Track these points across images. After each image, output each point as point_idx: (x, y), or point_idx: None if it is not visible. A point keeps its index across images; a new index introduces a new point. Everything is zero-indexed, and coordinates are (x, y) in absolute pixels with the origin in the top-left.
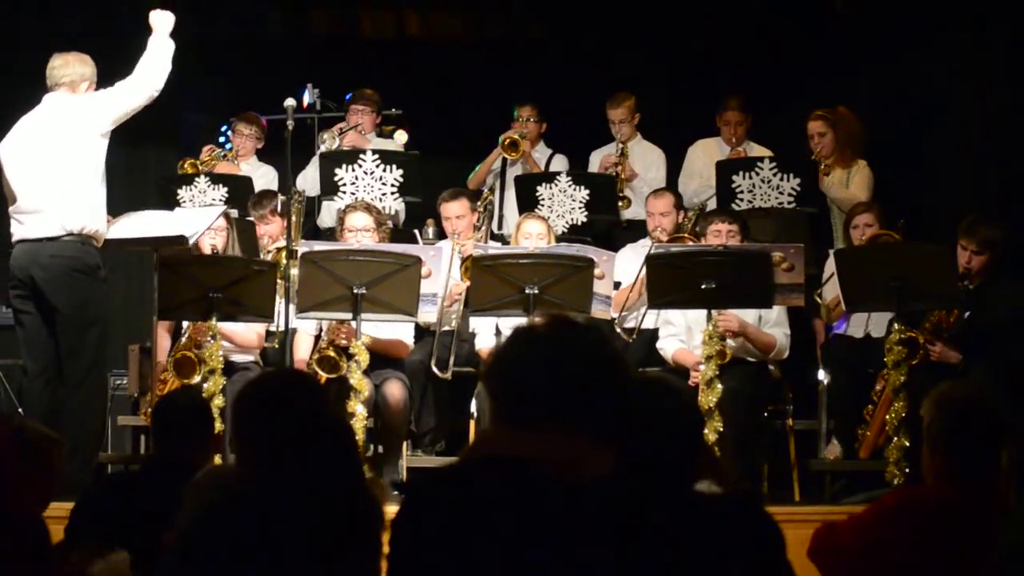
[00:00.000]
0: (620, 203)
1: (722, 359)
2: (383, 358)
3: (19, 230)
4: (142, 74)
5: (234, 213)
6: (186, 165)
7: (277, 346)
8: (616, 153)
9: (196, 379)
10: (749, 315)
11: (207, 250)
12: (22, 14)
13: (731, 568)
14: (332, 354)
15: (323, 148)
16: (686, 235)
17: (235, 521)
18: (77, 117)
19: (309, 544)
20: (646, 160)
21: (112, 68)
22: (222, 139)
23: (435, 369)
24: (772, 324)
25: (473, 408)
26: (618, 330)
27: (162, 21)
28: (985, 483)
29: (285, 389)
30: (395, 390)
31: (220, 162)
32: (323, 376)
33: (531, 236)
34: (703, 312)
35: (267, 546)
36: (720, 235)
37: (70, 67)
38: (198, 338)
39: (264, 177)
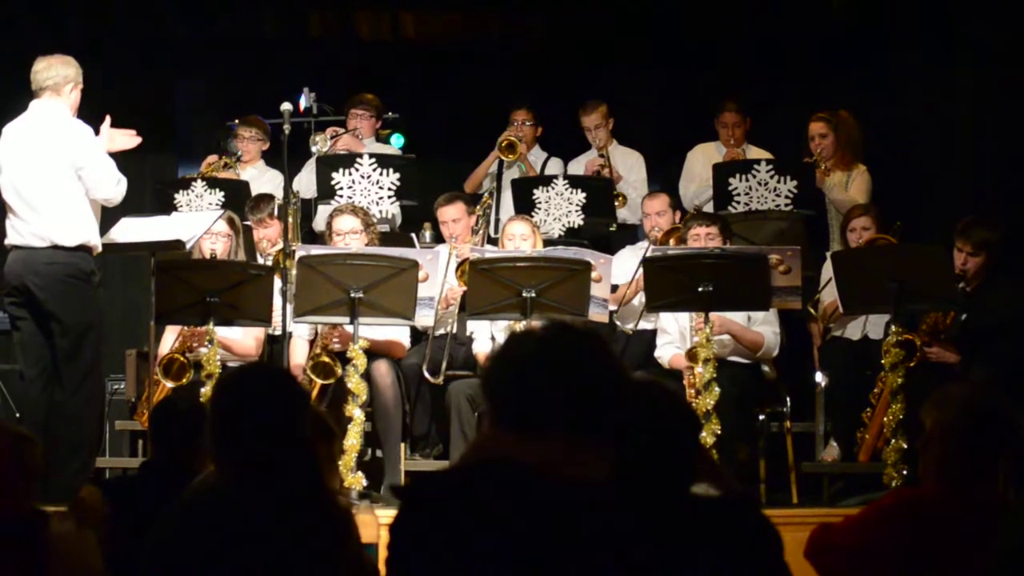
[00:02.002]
0: (616, 202)
1: (697, 360)
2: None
3: (14, 236)
4: (120, 182)
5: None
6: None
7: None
8: (599, 157)
9: (185, 381)
10: (738, 313)
11: (207, 255)
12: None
13: (729, 570)
14: (326, 359)
15: (315, 150)
16: (680, 231)
17: (199, 522)
18: (61, 139)
19: (269, 545)
20: (626, 163)
21: (110, 77)
22: (227, 139)
23: (427, 374)
24: (760, 322)
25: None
26: (617, 323)
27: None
28: (986, 483)
29: (249, 389)
30: (381, 366)
31: (222, 172)
32: (318, 383)
33: (515, 237)
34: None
35: (227, 546)
36: (699, 239)
37: (53, 69)
38: (190, 343)
39: (271, 182)
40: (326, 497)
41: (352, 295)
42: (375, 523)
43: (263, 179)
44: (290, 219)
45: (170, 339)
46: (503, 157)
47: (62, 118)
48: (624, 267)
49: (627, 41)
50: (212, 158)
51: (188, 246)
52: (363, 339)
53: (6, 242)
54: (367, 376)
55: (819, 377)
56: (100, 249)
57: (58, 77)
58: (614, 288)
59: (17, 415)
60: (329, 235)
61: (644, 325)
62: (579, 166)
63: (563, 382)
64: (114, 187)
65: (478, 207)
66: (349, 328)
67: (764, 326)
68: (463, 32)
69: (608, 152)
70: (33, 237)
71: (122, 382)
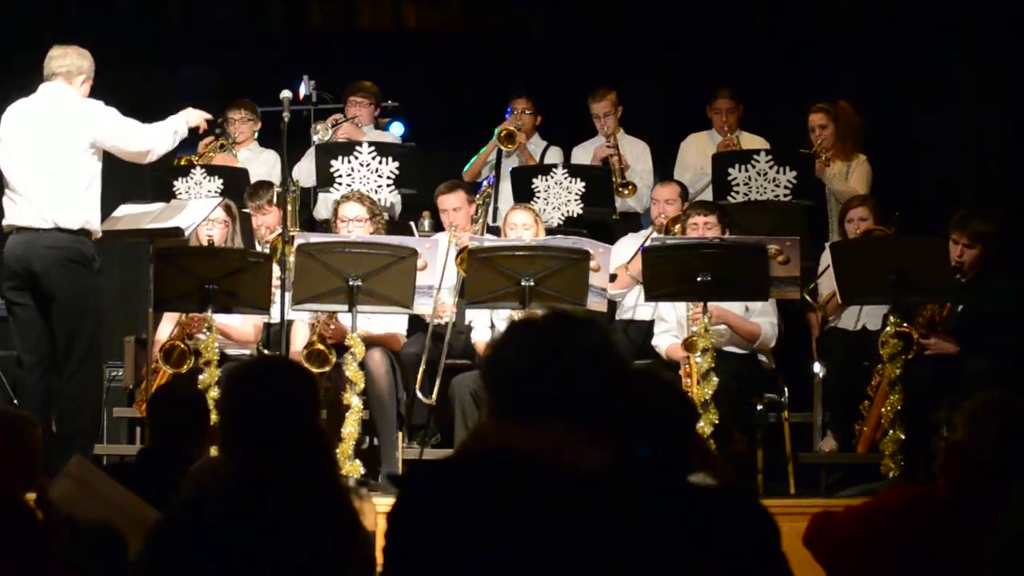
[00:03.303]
0: (626, 191)
1: (693, 350)
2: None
3: (17, 217)
4: (149, 129)
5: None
6: (181, 161)
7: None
8: (607, 144)
9: (185, 369)
10: (735, 303)
11: (204, 242)
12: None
13: (726, 561)
14: (321, 348)
15: (316, 139)
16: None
17: (202, 517)
18: (72, 117)
19: (273, 540)
20: (632, 152)
21: (111, 66)
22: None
23: (419, 395)
24: (758, 313)
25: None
26: (615, 300)
27: (192, 115)
28: (1005, 496)
29: (263, 379)
30: (376, 355)
31: (218, 154)
32: (313, 371)
33: (516, 227)
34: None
35: (230, 541)
36: (698, 228)
37: (67, 59)
38: (190, 329)
39: (267, 163)
40: (338, 489)
41: (351, 283)
42: (372, 511)
43: (258, 160)
44: (289, 206)
45: (167, 327)
46: (502, 147)
47: (70, 99)
48: (625, 253)
49: (628, 32)
50: (208, 139)
51: (187, 234)
52: (361, 329)
53: (6, 223)
54: (363, 365)
55: (817, 368)
56: (100, 234)
57: (72, 66)
58: (612, 277)
59: (15, 402)
60: (335, 222)
61: (641, 316)
62: (586, 152)
63: (562, 371)
64: (142, 136)
65: (478, 196)
66: (344, 320)
67: (761, 317)
68: (464, 21)
69: (616, 140)
70: (36, 218)
71: (120, 369)
